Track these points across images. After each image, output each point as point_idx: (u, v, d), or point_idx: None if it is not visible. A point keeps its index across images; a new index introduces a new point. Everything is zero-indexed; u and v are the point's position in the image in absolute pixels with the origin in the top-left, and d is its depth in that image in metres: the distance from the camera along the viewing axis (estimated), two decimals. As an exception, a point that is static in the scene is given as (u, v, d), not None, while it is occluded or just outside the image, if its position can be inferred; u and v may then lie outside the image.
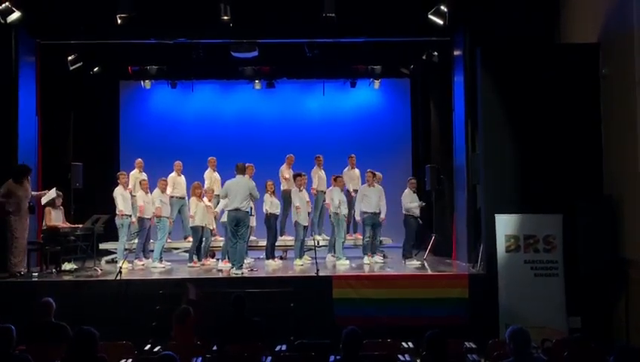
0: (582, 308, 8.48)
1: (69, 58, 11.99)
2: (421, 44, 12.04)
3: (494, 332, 8.05)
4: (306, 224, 11.06)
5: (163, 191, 11.02)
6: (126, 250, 10.59)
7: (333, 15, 9.84)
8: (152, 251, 10.88)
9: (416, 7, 10.35)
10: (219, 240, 11.42)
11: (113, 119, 14.44)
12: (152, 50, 12.24)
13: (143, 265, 10.79)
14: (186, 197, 11.46)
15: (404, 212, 11.18)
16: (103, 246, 11.38)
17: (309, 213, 11.26)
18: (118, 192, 10.67)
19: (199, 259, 10.86)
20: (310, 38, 11.39)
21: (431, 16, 10.08)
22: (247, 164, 10.25)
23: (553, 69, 9.14)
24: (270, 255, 11.21)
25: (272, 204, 11.12)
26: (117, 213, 10.63)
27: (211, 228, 11.19)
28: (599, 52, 9.04)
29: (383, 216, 11.12)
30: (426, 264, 10.86)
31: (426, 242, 11.87)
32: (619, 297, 8.36)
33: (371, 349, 5.98)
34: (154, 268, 10.55)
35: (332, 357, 5.71)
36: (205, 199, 11.01)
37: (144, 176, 11.54)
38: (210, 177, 12.09)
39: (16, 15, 9.81)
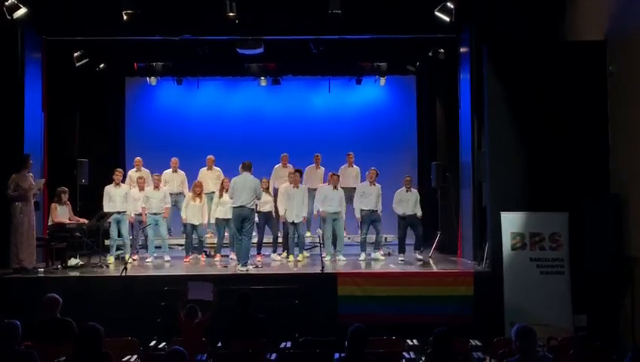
0: (588, 306, 8.45)
1: (75, 55, 12.00)
2: (427, 41, 11.98)
3: (499, 330, 8.04)
4: (297, 221, 10.82)
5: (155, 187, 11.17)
6: (120, 246, 10.84)
7: (339, 12, 9.83)
8: (154, 247, 11.07)
9: (422, 4, 10.29)
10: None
11: (119, 115, 14.46)
12: (158, 46, 12.24)
13: (146, 259, 10.95)
14: (183, 194, 11.62)
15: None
16: (108, 242, 11.42)
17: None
18: (105, 190, 10.91)
19: (187, 254, 10.99)
20: (316, 34, 11.35)
21: (437, 13, 10.03)
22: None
23: (560, 67, 9.11)
24: (258, 251, 11.00)
25: (264, 202, 10.96)
26: None
27: (204, 222, 11.12)
28: (606, 49, 8.99)
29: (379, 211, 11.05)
30: (431, 261, 10.85)
31: (432, 240, 11.84)
32: (625, 295, 8.32)
33: (376, 346, 5.98)
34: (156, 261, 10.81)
35: (337, 355, 5.71)
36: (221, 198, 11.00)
37: (139, 174, 11.71)
38: (205, 175, 12.07)
39: (22, 11, 9.80)
